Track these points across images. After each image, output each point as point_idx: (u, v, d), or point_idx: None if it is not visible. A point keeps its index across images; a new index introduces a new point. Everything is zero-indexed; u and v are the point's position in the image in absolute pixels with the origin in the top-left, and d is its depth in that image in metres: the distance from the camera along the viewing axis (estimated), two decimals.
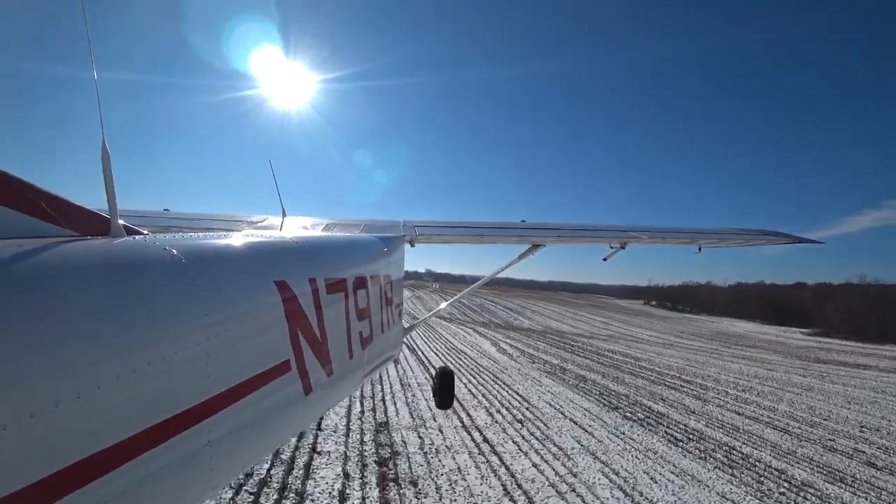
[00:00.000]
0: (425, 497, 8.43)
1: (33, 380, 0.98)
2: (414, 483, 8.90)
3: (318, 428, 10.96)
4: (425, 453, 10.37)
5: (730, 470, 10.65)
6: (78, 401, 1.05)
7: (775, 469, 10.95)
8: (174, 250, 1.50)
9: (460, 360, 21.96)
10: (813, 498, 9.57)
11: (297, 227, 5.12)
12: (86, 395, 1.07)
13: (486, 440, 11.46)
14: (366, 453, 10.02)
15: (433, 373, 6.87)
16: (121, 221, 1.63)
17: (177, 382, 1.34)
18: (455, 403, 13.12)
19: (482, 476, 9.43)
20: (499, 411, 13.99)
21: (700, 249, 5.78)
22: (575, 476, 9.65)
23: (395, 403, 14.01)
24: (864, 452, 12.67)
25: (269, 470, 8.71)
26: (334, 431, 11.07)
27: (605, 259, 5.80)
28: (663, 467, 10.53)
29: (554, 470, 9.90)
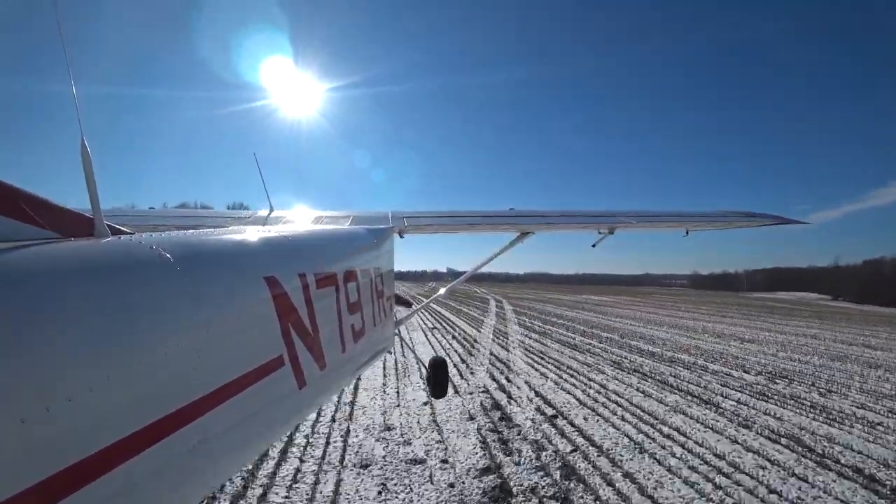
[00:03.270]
0: None
1: (23, 384, 0.98)
2: None
3: None
4: None
5: None
6: (69, 404, 1.04)
7: None
8: (161, 249, 1.49)
9: None
10: None
11: (285, 221, 5.09)
12: (77, 398, 1.06)
13: None
14: None
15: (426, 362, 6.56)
16: (105, 221, 1.61)
17: (168, 382, 1.34)
18: None
19: None
20: None
21: (687, 233, 5.89)
22: None
23: None
24: None
25: None
26: None
27: (593, 245, 5.87)
28: None
29: None
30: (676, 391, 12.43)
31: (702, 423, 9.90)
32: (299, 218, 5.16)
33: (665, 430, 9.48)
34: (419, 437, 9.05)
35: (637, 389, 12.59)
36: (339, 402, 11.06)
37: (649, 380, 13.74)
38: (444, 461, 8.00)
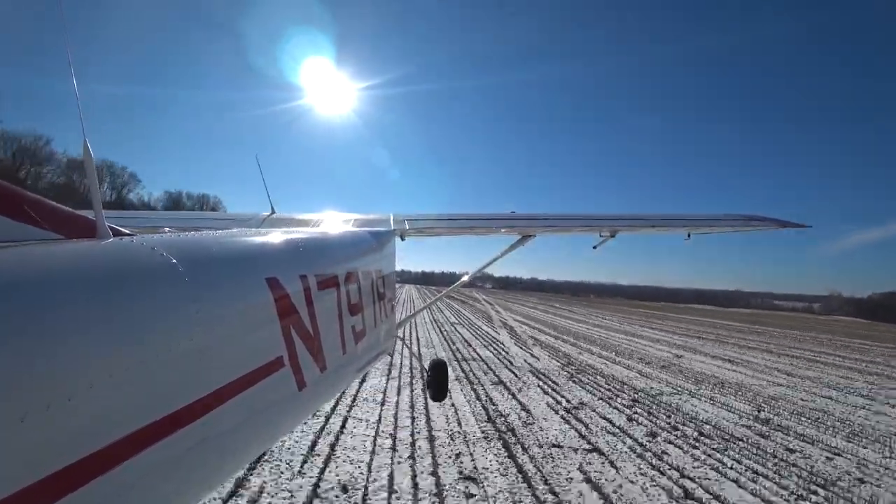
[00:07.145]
0: None
1: (24, 383, 0.98)
2: None
3: None
4: None
5: None
6: (69, 403, 1.04)
7: None
8: (163, 250, 1.49)
9: None
10: None
11: (287, 223, 5.10)
12: (77, 397, 1.06)
13: None
14: None
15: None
16: (107, 223, 1.62)
17: (168, 382, 1.34)
18: None
19: None
20: None
21: (689, 237, 5.86)
22: None
23: None
24: None
25: None
26: None
27: (594, 247, 5.86)
28: None
29: None
30: None
31: None
32: (301, 220, 5.17)
33: None
34: None
35: None
36: None
37: None
38: None
